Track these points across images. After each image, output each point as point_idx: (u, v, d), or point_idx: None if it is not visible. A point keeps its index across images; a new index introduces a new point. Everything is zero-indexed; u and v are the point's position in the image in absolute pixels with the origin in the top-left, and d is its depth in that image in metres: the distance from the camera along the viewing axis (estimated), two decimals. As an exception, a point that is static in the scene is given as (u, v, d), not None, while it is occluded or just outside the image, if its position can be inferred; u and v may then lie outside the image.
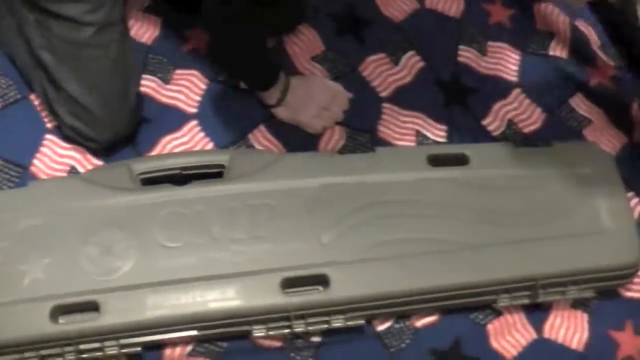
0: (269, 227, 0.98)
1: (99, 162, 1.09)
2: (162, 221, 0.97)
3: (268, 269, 0.94)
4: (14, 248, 0.95)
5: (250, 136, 1.12)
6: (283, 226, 0.98)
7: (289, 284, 0.94)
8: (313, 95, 1.12)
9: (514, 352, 1.03)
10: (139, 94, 1.12)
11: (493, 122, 1.19)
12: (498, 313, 1.05)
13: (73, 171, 1.08)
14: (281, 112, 1.12)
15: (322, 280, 0.95)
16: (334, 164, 1.04)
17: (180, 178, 1.03)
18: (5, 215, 0.97)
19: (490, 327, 1.04)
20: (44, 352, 0.92)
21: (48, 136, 1.10)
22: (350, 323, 0.96)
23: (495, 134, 1.18)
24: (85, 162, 1.09)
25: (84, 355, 0.93)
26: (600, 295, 1.07)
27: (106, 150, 1.09)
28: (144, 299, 0.92)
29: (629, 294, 1.10)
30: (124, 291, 0.93)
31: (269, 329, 0.95)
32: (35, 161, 1.08)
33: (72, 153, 1.09)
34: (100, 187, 0.99)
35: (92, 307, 0.92)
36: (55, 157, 1.09)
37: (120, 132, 1.08)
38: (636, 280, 1.10)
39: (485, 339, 1.03)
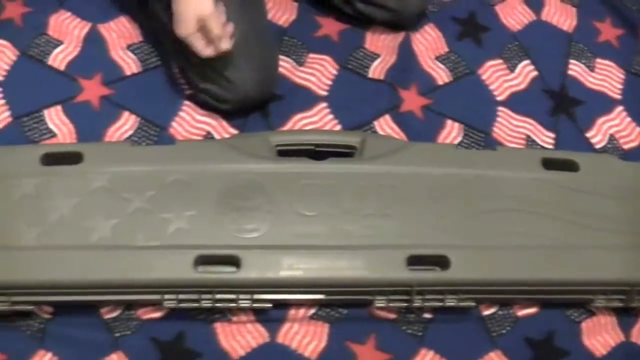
0: (396, 207, 1.05)
1: (233, 130, 1.17)
2: (299, 190, 1.04)
3: (395, 245, 1.02)
4: (161, 198, 1.02)
5: (375, 123, 1.20)
6: (408, 207, 1.05)
7: (413, 261, 1.01)
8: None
9: (604, 352, 1.10)
10: (272, 64, 1.18)
11: (596, 135, 1.27)
12: (591, 313, 1.12)
13: (209, 136, 1.16)
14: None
15: (441, 261, 1.02)
16: (458, 156, 1.11)
17: (311, 154, 1.10)
18: (155, 167, 1.04)
19: (584, 325, 1.11)
20: (182, 296, 0.99)
21: (187, 102, 1.19)
22: (462, 304, 1.03)
23: (597, 146, 1.26)
24: (221, 128, 1.17)
25: (218, 305, 1.00)
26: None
27: (240, 118, 1.17)
28: (280, 259, 0.99)
29: None
30: (262, 250, 1.00)
31: (389, 301, 1.02)
32: (173, 123, 1.17)
33: (209, 119, 1.18)
34: (242, 153, 1.06)
35: (233, 261, 0.99)
36: (192, 122, 1.17)
37: (250, 92, 1.12)
38: None
39: (578, 336, 1.10)
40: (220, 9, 1.05)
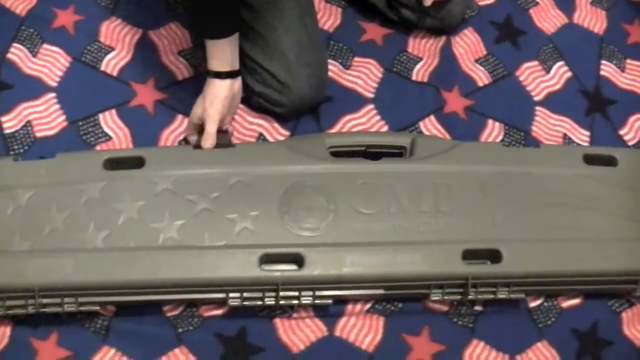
0: (450, 204, 1.09)
1: (285, 132, 1.22)
2: (357, 190, 1.09)
3: (451, 240, 1.06)
4: (225, 199, 1.07)
5: (420, 123, 1.25)
6: (462, 204, 1.10)
7: (468, 255, 1.06)
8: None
9: (643, 341, 1.16)
10: (324, 69, 1.22)
11: (629, 133, 1.32)
12: (631, 303, 1.16)
13: (261, 138, 1.21)
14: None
15: (494, 255, 1.07)
16: (506, 154, 1.16)
17: (362, 154, 1.14)
18: (217, 170, 1.09)
19: (624, 315, 1.15)
20: (246, 294, 1.04)
21: (242, 106, 1.22)
22: (513, 296, 1.08)
23: (630, 143, 1.31)
24: (273, 130, 1.22)
25: (281, 302, 1.04)
26: None
27: (292, 119, 1.21)
28: (342, 256, 1.04)
29: None
30: (324, 247, 1.04)
31: (444, 294, 1.06)
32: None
33: (261, 122, 1.22)
34: (300, 154, 1.11)
35: (296, 259, 1.03)
36: (245, 124, 1.22)
37: (305, 97, 1.18)
38: None
39: (619, 326, 1.15)
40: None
